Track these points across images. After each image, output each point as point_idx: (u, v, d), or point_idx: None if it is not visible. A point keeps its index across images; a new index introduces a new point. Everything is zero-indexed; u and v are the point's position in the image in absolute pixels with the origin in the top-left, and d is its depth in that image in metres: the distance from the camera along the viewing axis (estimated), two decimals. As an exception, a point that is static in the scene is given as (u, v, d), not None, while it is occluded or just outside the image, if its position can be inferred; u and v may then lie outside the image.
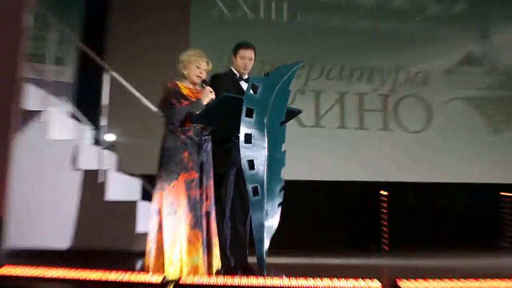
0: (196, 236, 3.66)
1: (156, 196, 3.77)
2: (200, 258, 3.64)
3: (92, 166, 5.24)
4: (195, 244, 3.64)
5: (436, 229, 9.16)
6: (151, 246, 3.70)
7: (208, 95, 3.87)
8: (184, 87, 3.93)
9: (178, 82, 3.94)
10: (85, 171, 5.16)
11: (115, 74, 5.49)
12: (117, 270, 3.80)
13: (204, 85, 3.95)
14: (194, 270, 3.61)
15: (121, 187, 5.43)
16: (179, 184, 3.71)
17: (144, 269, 3.72)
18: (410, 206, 9.16)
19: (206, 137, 3.91)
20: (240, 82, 4.41)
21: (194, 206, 3.70)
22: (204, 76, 4.00)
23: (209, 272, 3.74)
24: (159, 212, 3.72)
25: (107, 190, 5.10)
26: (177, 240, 3.63)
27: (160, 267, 3.63)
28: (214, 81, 4.28)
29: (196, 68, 3.95)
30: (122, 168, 5.87)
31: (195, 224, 3.67)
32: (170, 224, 3.66)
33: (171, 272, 3.57)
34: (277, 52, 9.31)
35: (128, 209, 5.04)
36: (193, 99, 3.88)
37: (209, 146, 3.94)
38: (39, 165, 5.21)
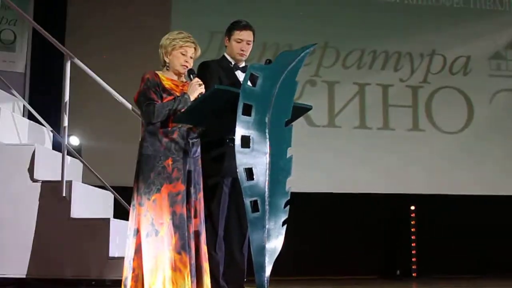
0: (183, 262, 3.71)
1: (133, 213, 3.83)
2: None
3: (54, 176, 5.30)
4: (181, 272, 3.70)
5: (475, 251, 9.23)
6: (127, 274, 3.78)
7: (196, 89, 3.90)
8: (166, 78, 3.96)
9: (158, 72, 3.98)
10: (45, 182, 5.22)
11: (78, 62, 5.55)
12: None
13: (191, 76, 4.00)
14: None
15: (89, 202, 5.49)
16: (161, 198, 3.76)
17: None
18: (444, 224, 9.23)
19: (194, 140, 3.96)
20: (236, 72, 4.50)
21: (180, 225, 3.75)
22: (190, 64, 4.02)
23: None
24: (137, 233, 3.79)
25: (72, 205, 5.16)
26: (160, 267, 3.68)
27: None
28: (203, 70, 4.37)
29: (181, 55, 3.98)
30: (91, 178, 5.95)
31: (181, 247, 3.72)
32: (150, 247, 3.72)
33: None
34: (282, 34, 9.42)
35: (98, 228, 5.08)
36: (178, 94, 3.92)
37: (197, 151, 4.00)
38: (-13, 174, 5.28)
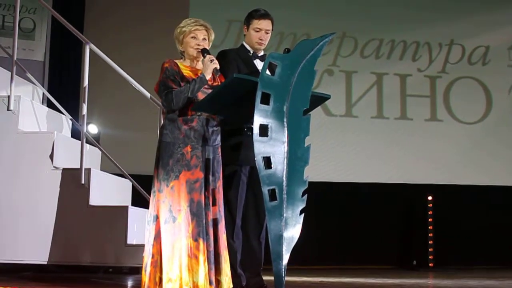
0: (199, 249, 3.72)
1: (153, 199, 3.86)
2: (204, 276, 3.70)
3: (73, 164, 5.33)
4: (197, 258, 3.71)
5: (492, 241, 9.18)
6: (147, 260, 3.80)
7: (209, 66, 3.87)
8: (185, 67, 3.98)
9: (177, 61, 4.00)
10: (64, 170, 5.25)
11: (98, 51, 5.56)
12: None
13: (204, 54, 3.98)
14: None
15: (107, 190, 5.52)
16: (179, 185, 3.78)
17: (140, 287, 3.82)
18: (461, 214, 9.19)
19: (214, 128, 3.97)
20: (254, 61, 4.49)
21: (197, 212, 3.77)
22: (205, 45, 4.01)
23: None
24: (156, 219, 3.81)
25: (91, 193, 5.19)
26: (176, 253, 3.70)
27: (157, 284, 3.74)
28: (222, 59, 4.37)
29: (192, 39, 3.99)
30: (109, 166, 5.98)
31: (198, 234, 3.74)
32: (168, 233, 3.74)
33: None
34: (299, 23, 9.40)
35: (116, 216, 5.11)
36: (195, 81, 3.93)
37: (217, 139, 4.00)
38: (7, 162, 5.30)
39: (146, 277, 3.76)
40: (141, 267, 3.86)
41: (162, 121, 4.01)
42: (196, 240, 3.74)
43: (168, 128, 3.88)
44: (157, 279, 3.74)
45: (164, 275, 3.69)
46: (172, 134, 3.86)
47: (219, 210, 3.94)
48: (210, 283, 3.76)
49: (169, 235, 3.74)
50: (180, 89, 3.85)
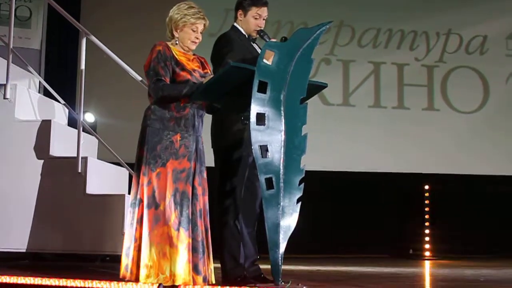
0: (180, 239, 3.68)
1: (136, 181, 3.82)
2: (183, 265, 3.66)
3: (69, 152, 5.33)
4: (177, 248, 3.67)
5: (488, 231, 9.20)
6: (130, 244, 3.76)
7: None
8: (178, 52, 3.91)
9: (170, 45, 3.92)
10: (61, 158, 5.25)
11: (93, 39, 5.55)
12: (101, 277, 3.93)
13: (265, 37, 3.98)
14: (173, 279, 3.65)
15: (104, 178, 5.52)
16: (165, 173, 3.73)
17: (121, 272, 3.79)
18: (457, 204, 9.21)
19: (201, 118, 3.92)
20: (253, 44, 4.38)
21: (181, 202, 3.72)
22: (200, 40, 3.97)
23: (210, 281, 3.81)
24: (141, 202, 3.76)
25: (87, 181, 5.19)
26: (154, 240, 3.67)
27: (140, 269, 3.69)
28: (227, 42, 4.24)
29: (191, 31, 3.92)
30: (106, 155, 5.97)
31: (180, 223, 3.70)
32: (149, 218, 3.70)
33: (143, 277, 3.64)
34: (296, 12, 9.37)
35: (113, 204, 5.11)
36: (189, 68, 3.86)
37: (202, 128, 3.93)
38: (3, 151, 5.30)
39: (129, 261, 3.73)
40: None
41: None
42: (177, 229, 3.69)
43: (158, 114, 3.81)
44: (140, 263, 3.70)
45: (142, 261, 3.67)
46: (161, 121, 3.79)
47: (207, 200, 3.91)
48: (198, 272, 3.72)
49: (149, 221, 3.70)
50: (173, 87, 3.79)
